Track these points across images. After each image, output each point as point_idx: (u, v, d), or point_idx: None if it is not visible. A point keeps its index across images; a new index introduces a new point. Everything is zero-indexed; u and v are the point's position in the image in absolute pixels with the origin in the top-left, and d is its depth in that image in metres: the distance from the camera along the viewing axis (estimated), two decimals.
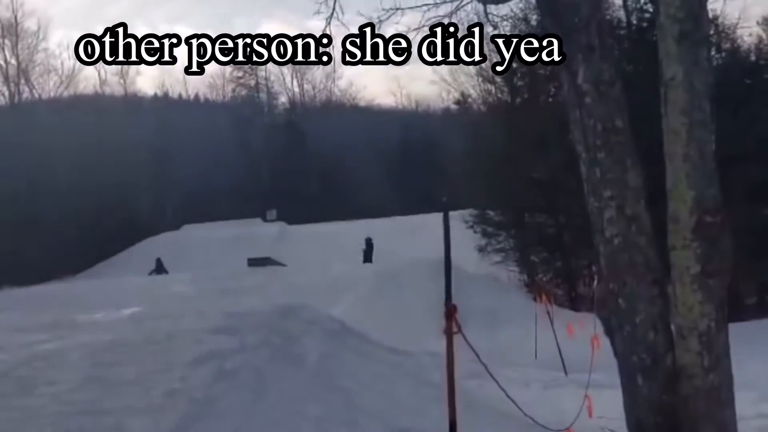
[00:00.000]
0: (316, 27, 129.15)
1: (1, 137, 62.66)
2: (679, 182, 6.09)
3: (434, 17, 13.49)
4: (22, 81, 75.72)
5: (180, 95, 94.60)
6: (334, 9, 14.53)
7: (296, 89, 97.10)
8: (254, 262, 38.60)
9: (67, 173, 66.37)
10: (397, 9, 13.70)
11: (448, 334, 6.44)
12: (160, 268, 36.32)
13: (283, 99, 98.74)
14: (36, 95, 77.08)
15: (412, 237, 49.10)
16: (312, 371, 8.70)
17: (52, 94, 77.71)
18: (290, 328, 9.76)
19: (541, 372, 16.01)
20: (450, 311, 6.45)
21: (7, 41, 74.47)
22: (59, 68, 78.26)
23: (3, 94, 75.92)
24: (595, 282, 6.86)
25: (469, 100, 46.98)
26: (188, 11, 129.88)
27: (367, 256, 40.97)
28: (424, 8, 13.45)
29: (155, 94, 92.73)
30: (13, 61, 74.86)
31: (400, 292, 26.42)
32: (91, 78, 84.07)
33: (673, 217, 6.12)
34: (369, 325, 15.32)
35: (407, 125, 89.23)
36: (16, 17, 74.30)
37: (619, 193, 6.41)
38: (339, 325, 11.24)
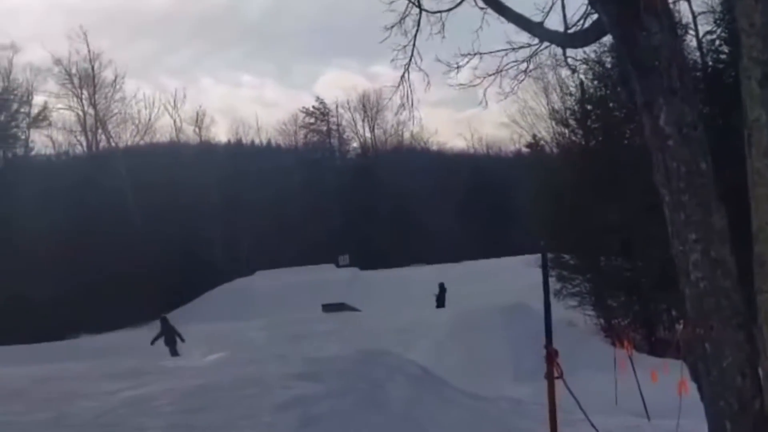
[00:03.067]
0: (378, 72, 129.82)
1: (79, 186, 63.87)
2: (764, 224, 6.03)
3: (512, 62, 13.57)
4: (100, 130, 77.30)
5: (252, 141, 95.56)
6: (412, 56, 14.72)
7: (367, 134, 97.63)
8: (329, 308, 38.65)
9: (141, 220, 67.31)
10: (476, 54, 13.81)
11: (550, 378, 6.42)
12: (168, 334, 29.17)
13: (354, 144, 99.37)
14: (113, 144, 78.56)
15: (484, 281, 48.91)
16: (397, 417, 8.73)
17: (128, 143, 79.15)
18: (373, 373, 9.82)
19: (623, 418, 15.79)
20: (551, 355, 6.43)
21: (85, 91, 76.20)
22: (135, 117, 79.71)
23: (81, 144, 77.54)
24: (681, 326, 6.82)
25: (542, 142, 46.91)
26: (249, 59, 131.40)
27: (440, 301, 40.77)
28: (502, 53, 13.54)
29: (228, 141, 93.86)
30: (91, 111, 76.52)
31: (474, 336, 26.27)
32: (166, 126, 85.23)
33: (759, 260, 6.05)
34: (445, 369, 15.30)
35: (478, 168, 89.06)
36: (93, 68, 76.03)
37: (704, 236, 6.37)
38: (420, 371, 11.28)
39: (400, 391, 9.71)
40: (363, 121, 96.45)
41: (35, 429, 7.87)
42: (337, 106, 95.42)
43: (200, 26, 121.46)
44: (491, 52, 13.84)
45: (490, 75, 13.94)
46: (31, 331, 44.72)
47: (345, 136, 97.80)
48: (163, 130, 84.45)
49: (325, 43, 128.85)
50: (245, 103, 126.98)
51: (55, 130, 74.67)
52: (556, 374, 6.37)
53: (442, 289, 41.14)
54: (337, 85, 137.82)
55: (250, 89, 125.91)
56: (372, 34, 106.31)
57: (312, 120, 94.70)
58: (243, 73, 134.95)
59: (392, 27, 14.84)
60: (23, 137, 71.51)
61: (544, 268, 6.53)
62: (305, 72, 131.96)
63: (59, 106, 74.81)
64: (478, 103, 15.46)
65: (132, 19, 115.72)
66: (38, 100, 72.66)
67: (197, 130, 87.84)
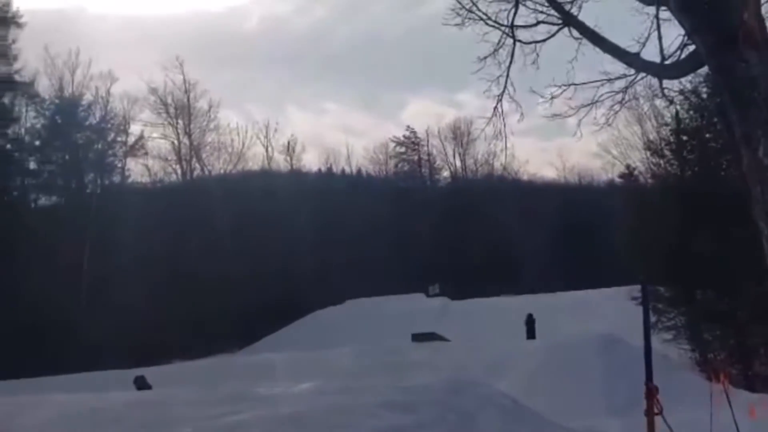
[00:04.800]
0: (464, 101, 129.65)
1: (173, 213, 65.03)
2: None
3: (608, 92, 13.51)
4: (194, 159, 78.58)
5: (343, 170, 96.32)
6: (505, 87, 14.75)
7: (458, 163, 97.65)
8: (419, 337, 38.55)
9: (234, 247, 68.13)
10: (570, 84, 13.78)
11: (650, 415, 6.34)
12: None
13: (445, 173, 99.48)
14: (206, 172, 79.78)
15: (575, 313, 48.47)
16: None
17: (221, 171, 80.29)
18: (465, 404, 9.79)
19: None
20: (651, 392, 6.35)
21: (180, 121, 77.58)
22: (228, 146, 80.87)
23: (176, 172, 78.87)
24: None
25: (635, 172, 46.37)
26: (335, 88, 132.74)
27: (530, 332, 40.49)
28: (598, 83, 13.49)
29: (319, 170, 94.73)
30: (186, 141, 77.87)
31: (565, 368, 25.94)
32: (258, 155, 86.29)
33: None
34: (535, 401, 15.15)
35: (570, 198, 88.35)
36: (188, 98, 77.46)
37: None
38: (511, 402, 11.20)
39: (492, 423, 9.65)
40: (454, 150, 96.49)
41: None
42: (427, 135, 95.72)
43: (288, 55, 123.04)
44: (587, 83, 13.81)
45: (585, 106, 13.91)
46: (126, 356, 45.49)
47: (435, 165, 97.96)
48: (255, 159, 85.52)
49: (411, 71, 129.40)
50: (332, 131, 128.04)
51: (150, 158, 76.06)
52: (656, 410, 6.28)
53: (531, 320, 40.85)
54: (424, 113, 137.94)
55: (336, 117, 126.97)
56: (459, 62, 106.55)
57: (403, 149, 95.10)
58: (330, 102, 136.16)
59: (486, 57, 14.90)
60: (120, 165, 73.11)
61: (645, 302, 6.47)
62: (391, 100, 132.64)
63: (155, 135, 76.28)
64: (572, 134, 15.37)
65: (222, 49, 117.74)
66: (134, 129, 74.12)
67: (288, 158, 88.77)
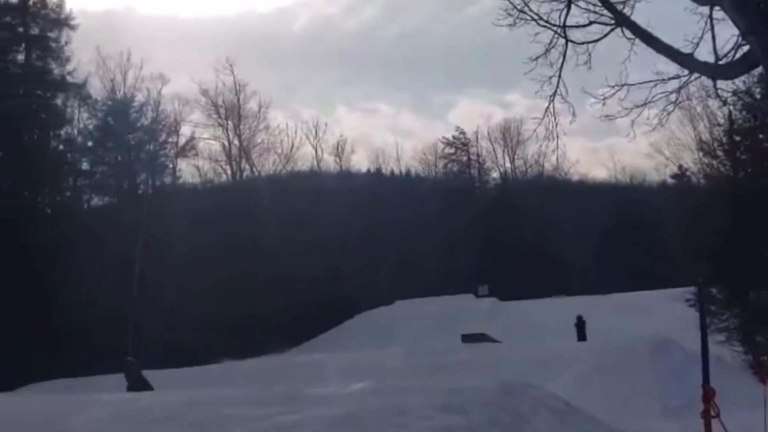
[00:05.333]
0: (513, 101, 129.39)
1: (223, 213, 65.44)
2: None
3: (661, 93, 13.42)
4: (244, 159, 79.08)
5: (392, 171, 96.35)
6: (557, 87, 14.70)
7: (507, 164, 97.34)
8: (469, 338, 38.51)
9: (283, 247, 68.41)
10: (623, 85, 13.71)
11: (707, 417, 6.28)
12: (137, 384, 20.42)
13: (494, 173, 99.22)
14: (256, 172, 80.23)
15: (627, 314, 48.02)
16: None
17: (271, 172, 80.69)
18: (518, 406, 9.73)
19: None
20: (708, 394, 6.29)
21: (230, 122, 78.13)
22: (278, 146, 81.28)
23: (226, 172, 79.44)
24: None
25: (688, 173, 45.97)
26: (383, 88, 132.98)
27: (581, 334, 40.27)
28: (651, 84, 13.41)
29: (368, 170, 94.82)
30: (236, 141, 78.40)
31: (618, 370, 25.70)
32: (308, 155, 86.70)
33: None
34: (587, 404, 15.05)
35: (621, 199, 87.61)
36: (239, 99, 78.01)
37: None
38: (564, 405, 11.13)
39: (545, 425, 9.60)
40: (503, 150, 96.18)
41: None
42: (477, 136, 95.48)
43: (336, 56, 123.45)
44: (640, 83, 13.73)
45: (638, 106, 13.83)
46: (177, 355, 45.84)
47: (485, 166, 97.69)
48: (305, 159, 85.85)
49: (460, 71, 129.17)
50: (380, 131, 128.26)
51: (201, 159, 76.68)
52: (713, 413, 6.21)
53: (581, 322, 40.65)
54: (472, 113, 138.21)
55: (384, 118, 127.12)
56: (507, 62, 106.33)
57: (452, 150, 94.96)
58: (378, 102, 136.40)
59: (537, 58, 14.87)
60: (171, 166, 73.69)
61: (702, 304, 6.45)
62: (440, 101, 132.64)
63: (205, 136, 76.95)
64: (623, 134, 15.28)
65: (271, 50, 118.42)
66: (185, 130, 74.75)
67: (338, 159, 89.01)
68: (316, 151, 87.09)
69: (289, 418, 9.34)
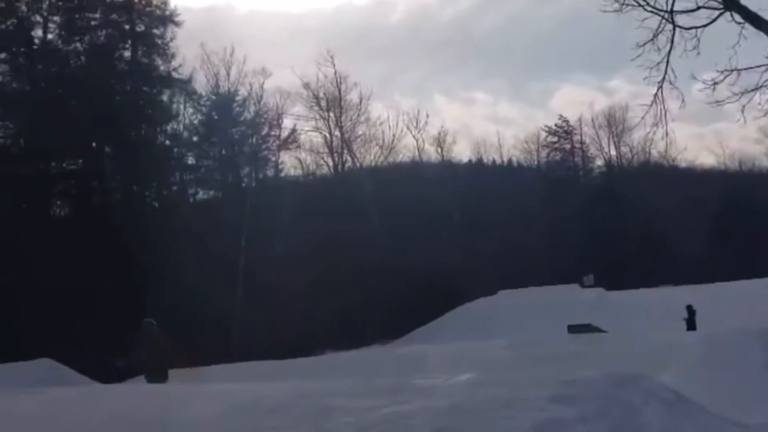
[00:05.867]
0: (615, 87, 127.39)
1: (326, 205, 65.94)
2: None
3: None
4: (345, 151, 79.49)
5: (493, 160, 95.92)
6: (665, 73, 14.37)
7: (612, 152, 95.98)
8: (575, 329, 38.05)
9: (385, 238, 68.67)
10: (733, 70, 13.36)
11: None
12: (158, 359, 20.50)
13: (599, 162, 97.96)
14: (358, 164, 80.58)
15: (738, 304, 46.89)
16: None
17: (372, 163, 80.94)
18: (628, 397, 9.54)
19: None
20: None
21: (331, 114, 78.65)
22: (379, 138, 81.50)
23: (328, 164, 79.99)
24: None
25: None
26: (482, 77, 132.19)
27: (691, 324, 39.44)
28: (762, 68, 13.04)
29: (469, 160, 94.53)
30: (337, 133, 78.87)
31: (729, 361, 25.08)
32: (409, 146, 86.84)
33: None
34: (698, 395, 14.72)
35: (731, 185, 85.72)
36: (340, 91, 78.49)
37: None
38: (675, 395, 10.88)
39: (656, 417, 9.39)
40: (608, 138, 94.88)
41: None
42: (580, 123, 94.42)
43: (435, 45, 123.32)
44: (750, 68, 13.36)
45: (748, 91, 13.45)
46: (281, 347, 46.34)
47: (589, 154, 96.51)
48: (406, 150, 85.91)
49: (559, 58, 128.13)
50: (479, 121, 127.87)
51: (303, 151, 77.35)
52: None
53: (691, 311, 39.81)
54: (573, 101, 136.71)
55: (483, 107, 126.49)
56: (609, 48, 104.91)
57: (555, 138, 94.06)
58: (476, 91, 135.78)
59: (644, 44, 14.59)
60: (273, 159, 74.55)
61: None
62: (539, 88, 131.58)
63: (307, 128, 77.57)
64: (731, 119, 14.94)
65: (370, 41, 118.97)
66: (287, 123, 75.54)
67: (439, 149, 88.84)
68: (417, 142, 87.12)
69: (396, 409, 9.30)
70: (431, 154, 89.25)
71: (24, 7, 56.96)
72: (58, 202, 59.78)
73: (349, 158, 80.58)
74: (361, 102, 79.71)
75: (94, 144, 58.09)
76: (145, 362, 20.50)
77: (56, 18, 58.27)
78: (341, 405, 9.68)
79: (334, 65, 78.12)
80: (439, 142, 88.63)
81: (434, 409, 9.07)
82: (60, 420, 10.82)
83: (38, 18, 57.64)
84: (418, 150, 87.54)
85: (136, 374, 20.28)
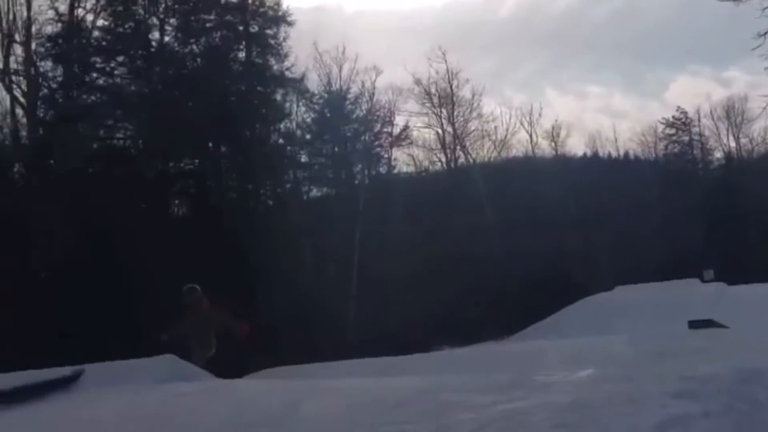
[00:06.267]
0: (731, 77, 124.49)
1: (439, 202, 65.96)
2: None
3: None
4: (458, 147, 79.35)
5: (609, 154, 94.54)
6: None
7: (732, 144, 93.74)
8: (695, 324, 37.24)
9: (499, 234, 68.38)
10: None
11: None
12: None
13: (718, 154, 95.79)
14: (470, 160, 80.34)
15: None
16: None
17: (485, 159, 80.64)
18: (754, 393, 9.30)
19: None
20: None
21: (444, 110, 78.56)
22: (492, 133, 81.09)
23: (441, 161, 79.93)
24: None
25: None
26: (594, 69, 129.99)
27: None
28: None
29: (584, 154, 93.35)
30: (450, 129, 78.77)
31: None
32: (522, 141, 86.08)
33: None
34: None
35: None
36: (451, 87, 78.38)
37: None
38: None
39: None
40: (727, 129, 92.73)
41: None
42: (698, 115, 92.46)
43: (545, 38, 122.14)
44: None
45: None
46: (395, 343, 46.50)
47: (708, 146, 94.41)
48: (519, 145, 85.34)
49: (674, 49, 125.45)
50: (592, 114, 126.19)
51: (415, 148, 77.43)
52: None
53: None
54: (689, 92, 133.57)
55: (596, 100, 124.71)
56: (725, 38, 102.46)
57: (672, 131, 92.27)
58: (589, 84, 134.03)
59: (765, 33, 14.19)
60: (386, 156, 74.80)
61: None
62: (653, 80, 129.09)
63: (419, 125, 77.61)
64: None
65: (481, 35, 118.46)
66: (399, 119, 75.65)
67: (552, 143, 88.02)
68: (530, 136, 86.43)
69: (516, 405, 9.27)
70: (544, 148, 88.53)
71: (141, 11, 58.34)
72: (176, 202, 61.08)
73: (461, 154, 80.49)
74: (473, 97, 79.51)
75: (210, 144, 59.13)
76: (189, 335, 18.91)
77: (172, 21, 59.54)
78: (460, 401, 9.68)
79: (445, 61, 78.11)
80: (553, 136, 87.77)
81: (554, 406, 9.00)
82: (182, 417, 11.04)
83: (155, 21, 58.95)
84: (532, 144, 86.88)
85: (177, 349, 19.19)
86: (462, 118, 79.49)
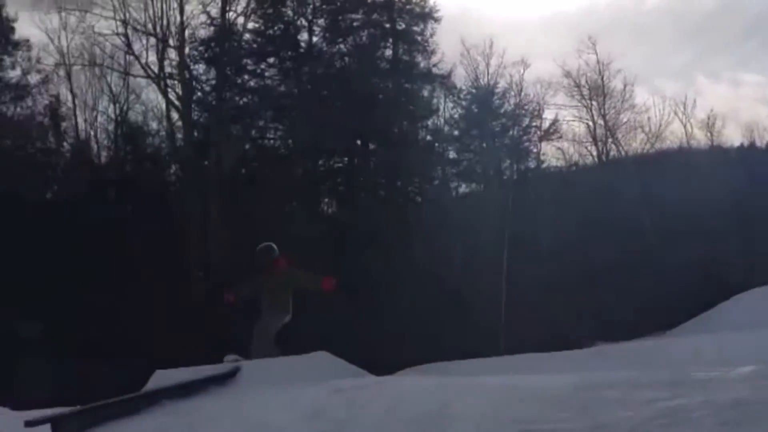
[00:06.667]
0: None
1: (589, 196, 65.03)
2: None
3: None
4: (609, 140, 78.02)
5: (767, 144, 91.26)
6: None
7: None
8: None
9: (652, 227, 67.05)
10: None
11: None
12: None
13: None
14: (622, 153, 78.91)
15: None
16: None
17: (638, 151, 79.00)
18: None
19: None
20: None
21: (594, 102, 77.37)
22: (645, 124, 79.36)
23: (591, 154, 78.76)
24: None
25: None
26: (751, 57, 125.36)
27: None
28: None
29: (741, 145, 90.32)
30: (601, 122, 77.50)
31: None
32: (676, 132, 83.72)
33: None
34: None
35: None
36: (602, 78, 77.08)
37: None
38: None
39: None
40: None
41: None
42: None
43: (695, 27, 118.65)
44: None
45: None
46: (548, 337, 46.19)
47: None
48: (673, 136, 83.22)
49: None
50: (749, 103, 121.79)
51: (565, 141, 76.48)
52: None
53: None
54: None
55: (753, 88, 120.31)
56: None
57: None
58: (743, 72, 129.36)
59: None
60: (535, 150, 74.11)
61: None
62: None
63: (568, 118, 76.58)
64: None
65: (631, 25, 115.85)
66: (548, 113, 74.88)
67: (708, 134, 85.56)
68: (685, 127, 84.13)
69: (676, 402, 9.07)
70: (700, 139, 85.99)
71: (290, 13, 59.48)
72: (326, 200, 62.04)
73: (613, 147, 79.08)
74: (624, 88, 77.83)
75: (358, 142, 59.79)
76: (262, 296, 17.05)
77: (320, 21, 60.56)
78: (618, 398, 9.54)
79: (595, 52, 76.78)
80: (708, 126, 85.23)
81: (716, 403, 8.76)
82: (339, 413, 11.17)
83: (303, 22, 60.06)
84: (686, 135, 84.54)
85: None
86: (613, 110, 78.03)
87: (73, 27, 54.85)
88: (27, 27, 59.98)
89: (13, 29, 52.24)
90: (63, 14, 54.35)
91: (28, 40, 52.91)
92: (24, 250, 43.81)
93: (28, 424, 13.15)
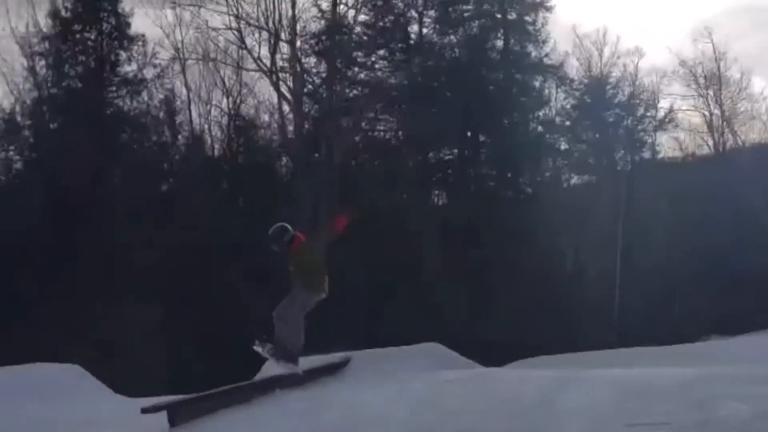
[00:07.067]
0: None
1: (705, 187, 63.65)
2: None
3: None
4: (726, 130, 76.27)
5: None
6: None
7: None
8: None
9: None
10: None
11: None
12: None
13: None
14: (739, 143, 77.08)
15: None
16: None
17: (756, 141, 77.12)
18: None
19: None
20: None
21: (711, 92, 75.71)
22: (763, 114, 77.35)
23: (708, 144, 77.11)
24: None
25: None
26: None
27: None
28: None
29: None
30: (717, 111, 75.80)
31: None
32: None
33: None
34: None
35: None
36: (719, 67, 75.33)
37: None
38: None
39: None
40: None
41: (686, 430, 7.87)
42: None
43: None
44: None
45: None
46: (662, 331, 45.46)
47: None
48: None
49: None
50: None
51: (680, 131, 75.05)
52: None
53: None
54: None
55: None
56: None
57: None
58: None
59: None
60: (649, 141, 72.86)
61: None
62: None
63: (684, 107, 75.08)
64: None
65: (749, 12, 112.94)
66: (664, 103, 73.49)
67: None
68: None
69: None
70: None
71: (401, 4, 59.60)
72: (437, 191, 61.97)
73: (730, 137, 77.27)
74: (741, 77, 75.97)
75: (468, 133, 59.59)
76: (292, 281, 14.99)
77: (431, 12, 60.49)
78: (731, 392, 9.29)
79: (712, 41, 75.09)
80: None
81: None
82: (449, 402, 11.14)
83: (414, 14, 60.10)
84: None
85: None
86: (730, 99, 76.32)
87: (187, 22, 55.64)
88: (142, 23, 61.38)
89: (128, 24, 53.15)
90: (177, 10, 55.16)
91: (143, 35, 53.76)
92: (141, 240, 44.81)
93: (145, 411, 13.42)
